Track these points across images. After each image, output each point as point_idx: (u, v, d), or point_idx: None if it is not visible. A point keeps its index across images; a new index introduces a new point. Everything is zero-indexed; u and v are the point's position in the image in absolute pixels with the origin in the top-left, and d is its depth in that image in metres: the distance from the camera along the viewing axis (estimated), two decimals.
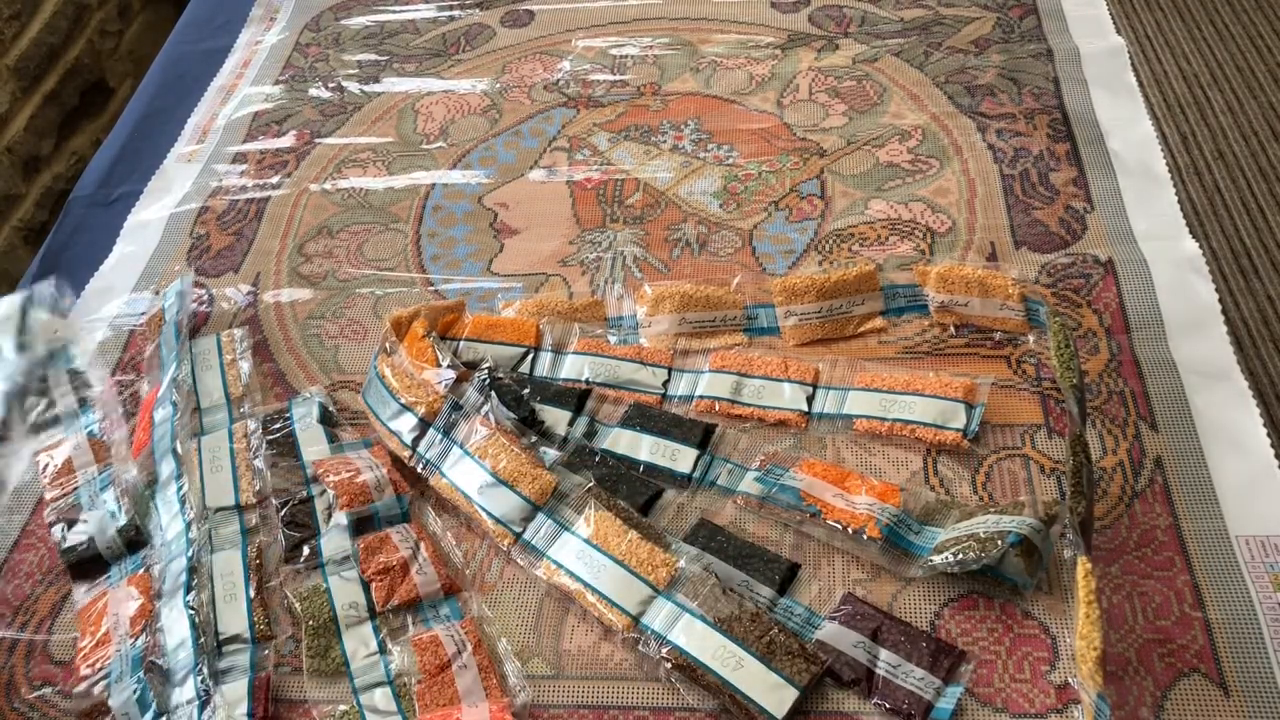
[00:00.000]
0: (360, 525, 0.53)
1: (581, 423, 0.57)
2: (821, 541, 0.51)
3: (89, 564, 0.54)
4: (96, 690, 0.49)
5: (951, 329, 0.59)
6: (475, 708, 0.46)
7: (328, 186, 0.76)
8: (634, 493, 0.53)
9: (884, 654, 0.46)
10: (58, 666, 0.51)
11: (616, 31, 0.87)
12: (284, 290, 0.69)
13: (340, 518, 0.53)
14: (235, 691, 0.47)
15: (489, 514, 0.52)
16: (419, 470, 0.55)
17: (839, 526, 0.50)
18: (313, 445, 0.57)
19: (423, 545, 0.52)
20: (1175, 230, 0.63)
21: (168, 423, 0.58)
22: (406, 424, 0.56)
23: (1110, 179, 0.67)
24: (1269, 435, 0.52)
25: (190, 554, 0.52)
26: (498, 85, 0.83)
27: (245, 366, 0.62)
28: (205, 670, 0.48)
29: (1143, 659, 0.45)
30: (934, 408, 0.54)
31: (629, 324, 0.62)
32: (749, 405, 0.56)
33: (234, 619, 0.50)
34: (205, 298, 0.69)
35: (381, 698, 0.47)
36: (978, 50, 0.79)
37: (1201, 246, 0.62)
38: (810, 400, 0.56)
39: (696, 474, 0.54)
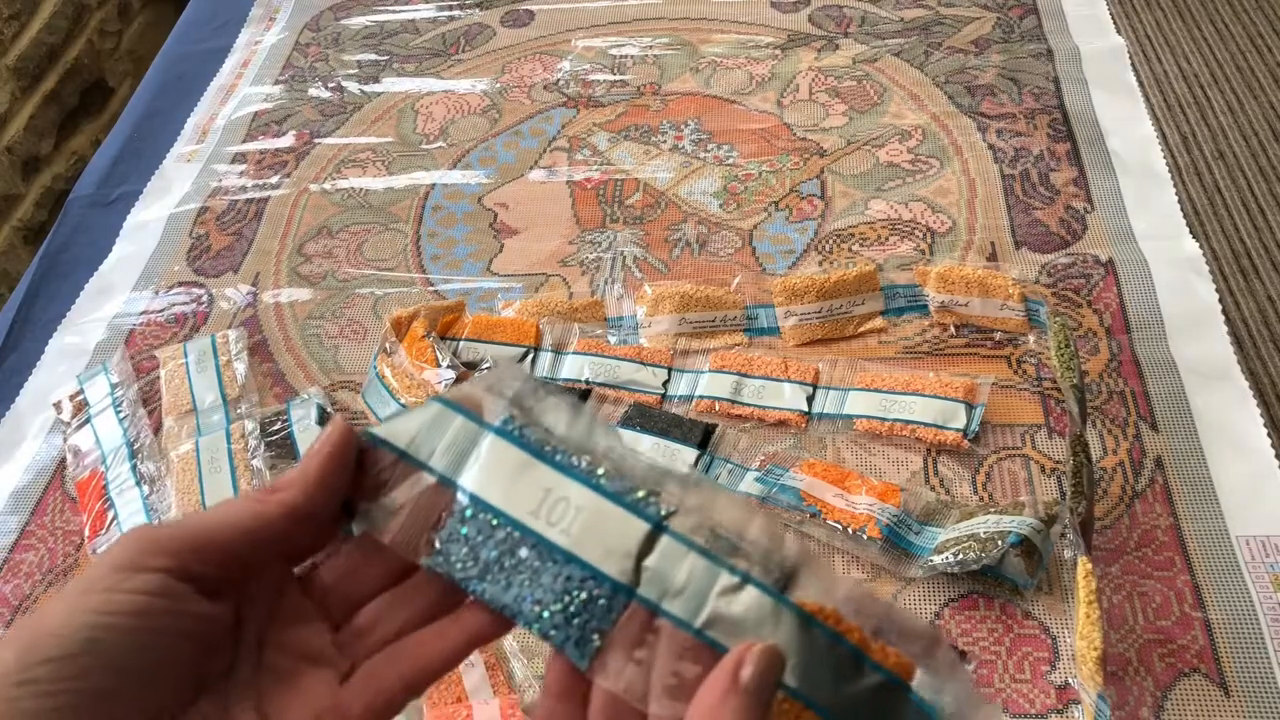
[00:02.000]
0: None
1: None
2: (821, 541, 0.51)
3: None
4: None
5: (952, 329, 0.59)
6: (485, 705, 0.46)
7: (327, 186, 0.76)
8: None
9: None
10: None
11: (616, 31, 0.87)
12: (283, 290, 0.68)
13: None
14: None
15: None
16: None
17: (839, 527, 0.50)
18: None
19: None
20: (1176, 230, 0.63)
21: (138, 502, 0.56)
22: None
23: (1110, 179, 0.67)
24: (1269, 435, 0.52)
25: None
26: (497, 85, 0.83)
27: (241, 368, 0.62)
28: None
29: (1143, 659, 0.45)
30: (934, 408, 0.54)
31: (629, 324, 0.62)
32: (749, 405, 0.56)
33: None
34: (204, 298, 0.69)
35: None
36: (978, 50, 0.79)
37: (1202, 246, 0.62)
38: (810, 400, 0.56)
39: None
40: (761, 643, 0.23)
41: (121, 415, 0.60)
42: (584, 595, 0.24)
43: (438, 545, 0.25)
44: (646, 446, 0.55)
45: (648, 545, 0.24)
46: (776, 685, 0.22)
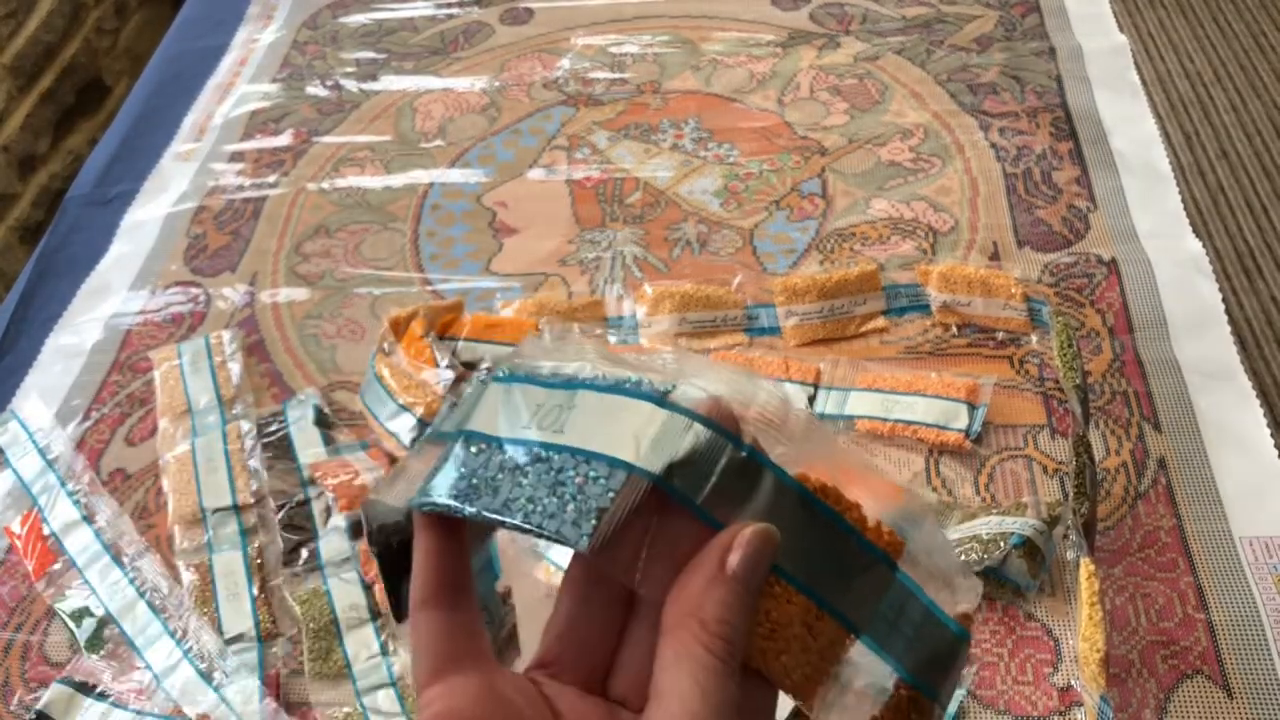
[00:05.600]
0: (360, 528, 0.53)
1: None
2: None
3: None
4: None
5: (954, 329, 0.59)
6: None
7: (325, 185, 0.76)
8: None
9: None
10: (54, 668, 0.51)
11: (616, 29, 0.87)
12: (281, 290, 0.68)
13: (339, 520, 0.53)
14: (245, 689, 0.47)
15: None
16: None
17: None
18: (309, 448, 0.57)
19: None
20: (1179, 229, 0.63)
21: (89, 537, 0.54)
22: (404, 424, 0.55)
23: (1113, 178, 0.67)
24: (1273, 436, 0.52)
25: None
26: (496, 83, 0.83)
27: (236, 368, 0.62)
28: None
29: (1146, 661, 0.45)
30: (936, 408, 0.53)
31: (629, 324, 0.62)
32: None
33: (238, 618, 0.50)
34: (202, 297, 0.69)
35: (385, 699, 0.47)
36: (980, 48, 0.79)
37: (1205, 246, 0.62)
38: (812, 400, 0.56)
39: None
40: (753, 525, 0.22)
41: (51, 457, 0.59)
42: (579, 479, 0.22)
43: (426, 487, 0.24)
44: None
45: (647, 423, 0.22)
46: (767, 567, 0.22)
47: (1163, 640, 0.45)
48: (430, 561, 0.24)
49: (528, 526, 0.22)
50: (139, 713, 0.48)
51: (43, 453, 0.59)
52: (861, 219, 0.67)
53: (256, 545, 0.53)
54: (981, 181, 0.68)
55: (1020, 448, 0.53)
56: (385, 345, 0.60)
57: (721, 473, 0.22)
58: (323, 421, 0.58)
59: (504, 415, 0.24)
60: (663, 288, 0.61)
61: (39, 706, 0.48)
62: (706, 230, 0.68)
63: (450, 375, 0.57)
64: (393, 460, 0.56)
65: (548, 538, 0.22)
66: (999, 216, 0.65)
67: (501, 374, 0.25)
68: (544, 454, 0.23)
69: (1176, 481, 0.50)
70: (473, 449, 0.24)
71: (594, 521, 0.21)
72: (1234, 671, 0.44)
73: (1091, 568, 0.43)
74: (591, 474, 0.22)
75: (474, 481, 0.23)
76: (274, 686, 0.48)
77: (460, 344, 0.61)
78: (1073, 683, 0.44)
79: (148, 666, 0.49)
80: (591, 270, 0.66)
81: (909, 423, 0.53)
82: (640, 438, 0.22)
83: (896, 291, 0.60)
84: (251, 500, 0.55)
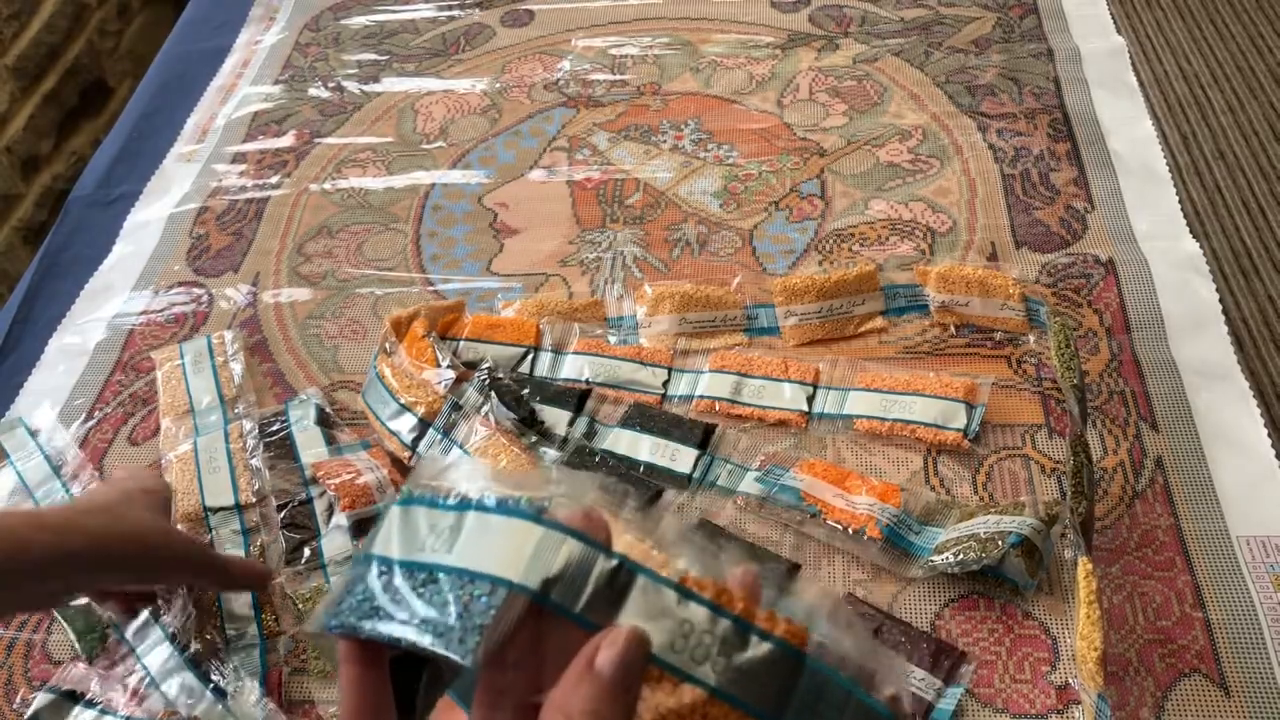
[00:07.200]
0: (362, 526, 0.53)
1: (581, 423, 0.57)
2: (821, 542, 0.51)
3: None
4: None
5: (952, 329, 0.59)
6: None
7: (327, 186, 0.76)
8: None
9: None
10: (56, 666, 0.51)
11: (616, 31, 0.87)
12: (283, 290, 0.68)
13: (341, 519, 0.53)
14: (247, 688, 0.47)
15: None
16: None
17: (839, 527, 0.50)
18: (311, 448, 0.57)
19: None
20: (1176, 230, 0.63)
21: None
22: (406, 424, 0.56)
23: (1111, 179, 0.67)
24: (1270, 435, 0.52)
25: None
26: (497, 85, 0.83)
27: (237, 368, 0.62)
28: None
29: (1143, 659, 0.45)
30: (934, 408, 0.54)
31: (629, 324, 0.62)
32: (749, 405, 0.56)
33: (240, 616, 0.50)
34: (204, 298, 0.69)
35: None
36: (978, 50, 0.79)
37: (1202, 246, 0.62)
38: (810, 400, 0.56)
39: (696, 474, 0.54)
40: (624, 627, 0.23)
41: (54, 456, 0.59)
42: (465, 598, 0.24)
43: (337, 609, 0.26)
44: (646, 447, 0.55)
45: (524, 541, 0.24)
46: (639, 666, 0.23)
47: (1160, 639, 0.45)
48: (353, 693, 0.26)
49: (422, 645, 0.23)
50: (128, 718, 0.48)
51: (45, 452, 0.59)
52: (860, 220, 0.67)
53: (259, 544, 0.53)
54: (980, 182, 0.68)
55: (1018, 447, 0.53)
56: (387, 345, 0.60)
57: (595, 581, 0.24)
58: (324, 421, 0.59)
59: (401, 538, 0.26)
60: (663, 288, 0.61)
61: (28, 715, 0.48)
62: (706, 231, 0.68)
63: (451, 375, 0.57)
64: (394, 460, 0.56)
65: (439, 655, 0.23)
66: (997, 217, 0.66)
67: (403, 497, 0.27)
68: (434, 575, 0.24)
69: (1174, 481, 0.51)
70: (376, 570, 0.26)
71: (477, 638, 0.23)
72: (1231, 670, 0.44)
73: (1089, 566, 0.44)
74: (475, 592, 0.24)
75: (376, 603, 0.25)
76: (276, 685, 0.48)
77: (461, 344, 0.61)
78: (1071, 681, 0.45)
79: (144, 670, 0.49)
80: (592, 270, 0.66)
81: (907, 422, 0.54)
82: (518, 556, 0.24)
83: (895, 292, 0.61)
84: (254, 499, 0.55)
